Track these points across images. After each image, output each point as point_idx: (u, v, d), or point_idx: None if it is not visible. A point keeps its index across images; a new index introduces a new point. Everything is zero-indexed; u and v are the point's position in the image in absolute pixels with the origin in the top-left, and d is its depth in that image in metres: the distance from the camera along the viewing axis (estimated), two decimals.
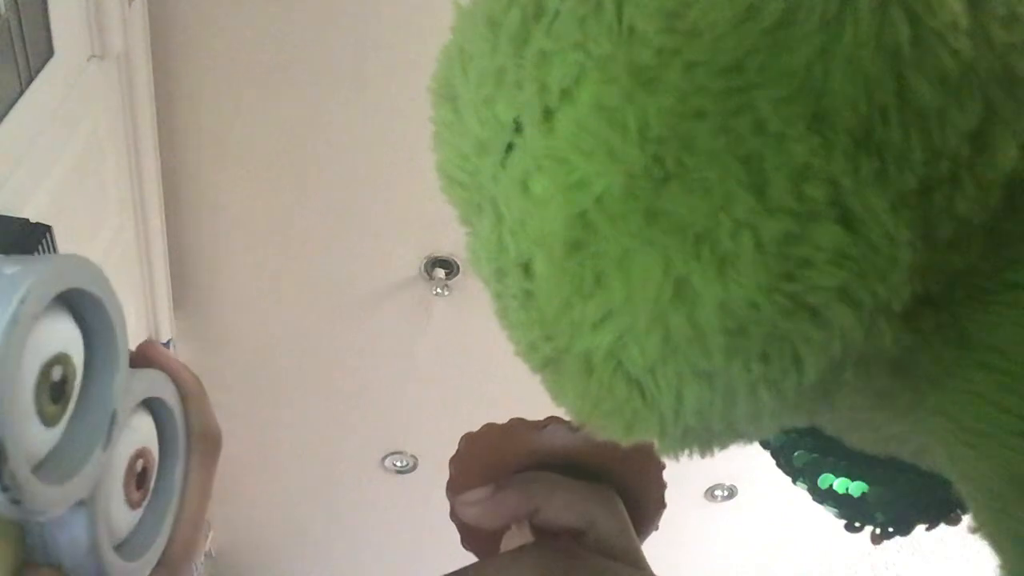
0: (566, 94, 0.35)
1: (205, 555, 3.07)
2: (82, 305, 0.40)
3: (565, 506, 0.51)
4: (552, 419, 0.52)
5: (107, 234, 1.61)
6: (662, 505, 0.56)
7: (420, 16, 1.70)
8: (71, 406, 0.39)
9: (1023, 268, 0.36)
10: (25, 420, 0.35)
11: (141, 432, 0.44)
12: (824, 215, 0.32)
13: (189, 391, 0.47)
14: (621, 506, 0.53)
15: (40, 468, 0.36)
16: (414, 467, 2.83)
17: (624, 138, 0.33)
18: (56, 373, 0.37)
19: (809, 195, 0.32)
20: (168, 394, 0.46)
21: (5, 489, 0.33)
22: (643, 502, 0.55)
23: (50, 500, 0.36)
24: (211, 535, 3.04)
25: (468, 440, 0.54)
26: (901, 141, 0.32)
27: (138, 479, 0.44)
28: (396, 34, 1.75)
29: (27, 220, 1.10)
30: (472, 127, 0.40)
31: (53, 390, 0.37)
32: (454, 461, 0.54)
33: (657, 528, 0.56)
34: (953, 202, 0.34)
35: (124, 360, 0.42)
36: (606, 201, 0.34)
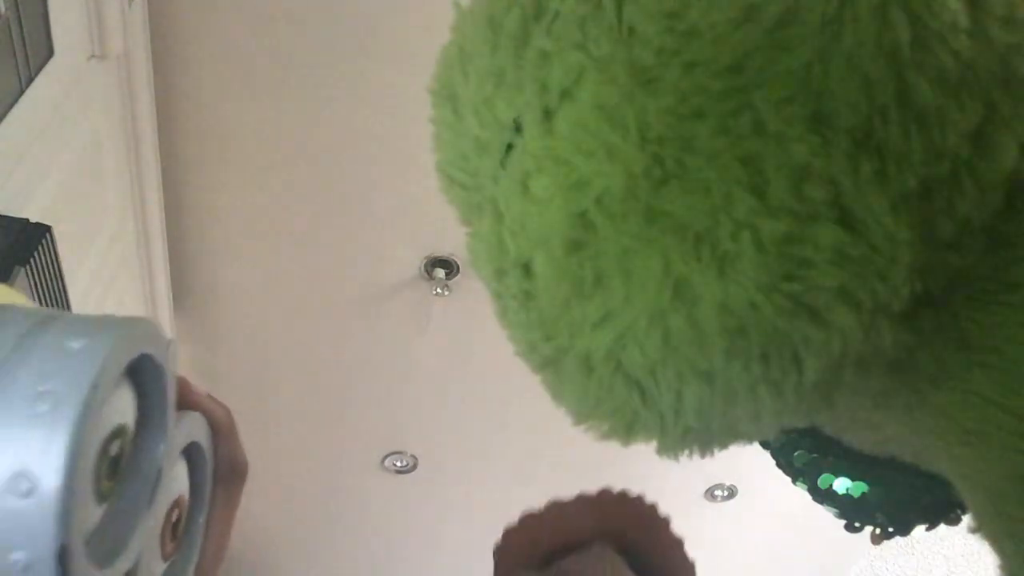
0: (566, 94, 0.35)
1: None
2: (139, 367, 0.36)
3: None
4: (579, 498, 0.56)
5: (107, 234, 1.61)
6: (689, 564, 0.59)
7: (420, 16, 1.70)
8: (123, 477, 0.36)
9: (1023, 268, 0.36)
10: (85, 506, 0.32)
11: (178, 481, 0.42)
12: (824, 215, 0.32)
13: (220, 426, 0.46)
14: (613, 560, 0.54)
15: (91, 545, 0.33)
16: (414, 467, 2.83)
17: (624, 138, 0.33)
18: (114, 448, 0.34)
19: (809, 195, 0.32)
20: (203, 437, 0.44)
21: None
22: (661, 563, 0.57)
23: None
24: None
25: (510, 533, 0.57)
26: (901, 141, 0.32)
27: (172, 530, 0.41)
28: (396, 34, 1.75)
29: (27, 220, 1.10)
30: (472, 127, 0.40)
31: (110, 466, 0.34)
32: (500, 552, 0.57)
33: None
34: (953, 202, 0.34)
35: (172, 420, 0.39)
36: (606, 201, 0.34)
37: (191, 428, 0.42)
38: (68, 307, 1.24)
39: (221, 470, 0.46)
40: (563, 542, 0.55)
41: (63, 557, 0.29)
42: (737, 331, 0.33)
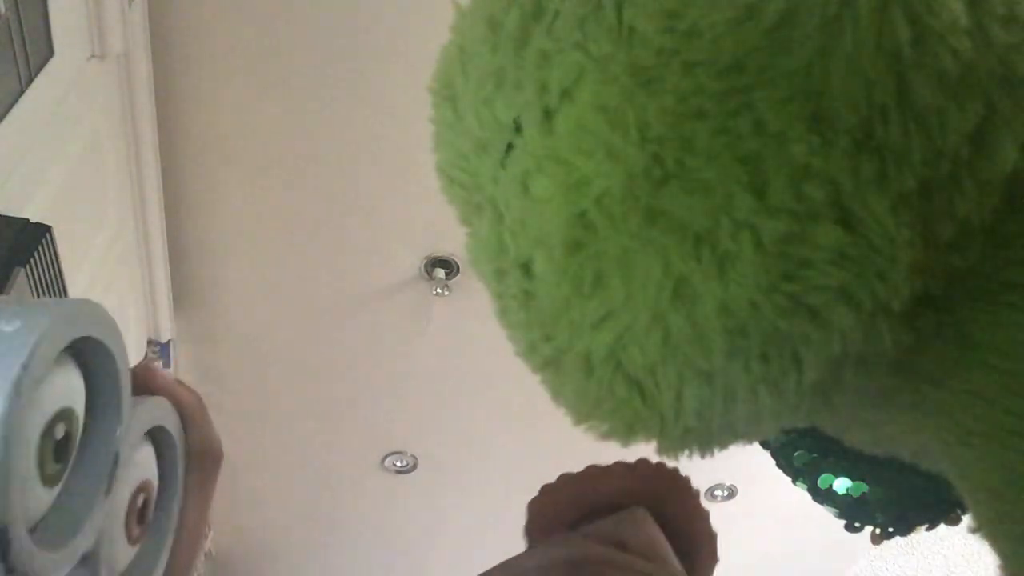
0: (566, 94, 0.35)
1: (205, 555, 3.07)
2: (85, 350, 0.36)
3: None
4: (617, 464, 0.58)
5: (107, 234, 1.61)
6: (711, 534, 0.60)
7: (420, 16, 1.70)
8: (72, 459, 0.36)
9: (1023, 268, 0.36)
10: (28, 490, 0.32)
11: (142, 466, 0.42)
12: (824, 215, 0.32)
13: (190, 411, 0.45)
14: (650, 524, 0.56)
15: (40, 530, 0.33)
16: (414, 467, 2.82)
17: (624, 138, 0.33)
18: (59, 431, 0.34)
19: (809, 195, 0.32)
20: (170, 421, 0.43)
21: (10, 571, 0.30)
22: (688, 530, 0.58)
23: (55, 566, 0.33)
24: (211, 535, 3.04)
25: (546, 490, 0.59)
26: (901, 141, 0.32)
27: (139, 514, 0.42)
28: (396, 34, 1.75)
29: (27, 220, 1.10)
30: (472, 127, 0.40)
31: (56, 450, 0.34)
32: (534, 507, 0.58)
33: (717, 560, 0.60)
34: (953, 202, 0.34)
35: (127, 403, 0.39)
36: (606, 201, 0.34)
37: (155, 412, 0.42)
38: None
39: (193, 456, 0.46)
40: (600, 503, 0.57)
41: (1, 538, 0.29)
42: (737, 331, 0.33)
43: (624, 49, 0.34)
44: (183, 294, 2.20)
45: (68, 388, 0.35)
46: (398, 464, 2.82)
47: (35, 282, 1.07)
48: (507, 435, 2.69)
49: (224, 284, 2.25)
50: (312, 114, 1.89)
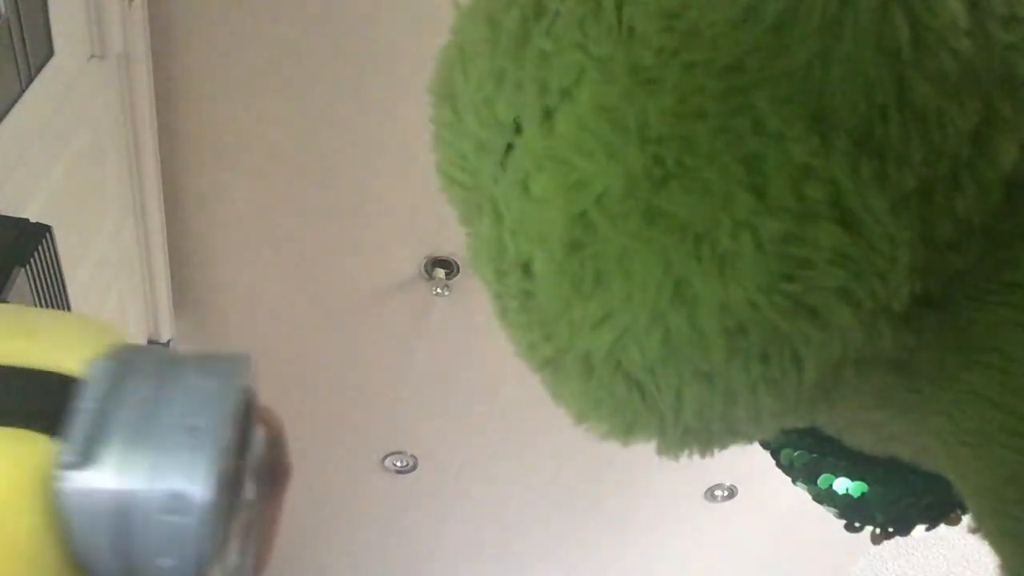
0: (566, 94, 0.35)
1: None
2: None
3: None
4: None
5: (107, 234, 1.61)
6: None
7: (420, 16, 1.70)
8: None
9: (1023, 268, 0.36)
10: (221, 522, 0.36)
11: (247, 487, 0.45)
12: (824, 215, 0.32)
13: (273, 430, 0.48)
14: None
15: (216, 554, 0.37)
16: (414, 467, 2.82)
17: (624, 138, 0.33)
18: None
19: (809, 195, 0.32)
20: (261, 446, 0.47)
21: None
22: None
23: None
24: None
25: None
26: (901, 141, 0.32)
27: (245, 533, 0.44)
28: (396, 34, 1.75)
29: (27, 220, 1.10)
30: (472, 127, 0.40)
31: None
32: None
33: None
34: (953, 202, 0.34)
35: (255, 436, 0.43)
36: (606, 201, 0.34)
37: (257, 443, 0.46)
38: (68, 307, 1.24)
39: (270, 473, 0.49)
40: None
41: (201, 564, 0.34)
42: (737, 331, 0.33)
43: (624, 49, 0.34)
44: (183, 294, 2.20)
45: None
46: (398, 464, 2.82)
47: (35, 282, 1.07)
48: (507, 435, 2.69)
49: (224, 284, 2.25)
50: (312, 114, 1.89)
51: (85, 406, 0.33)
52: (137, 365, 0.36)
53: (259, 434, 0.46)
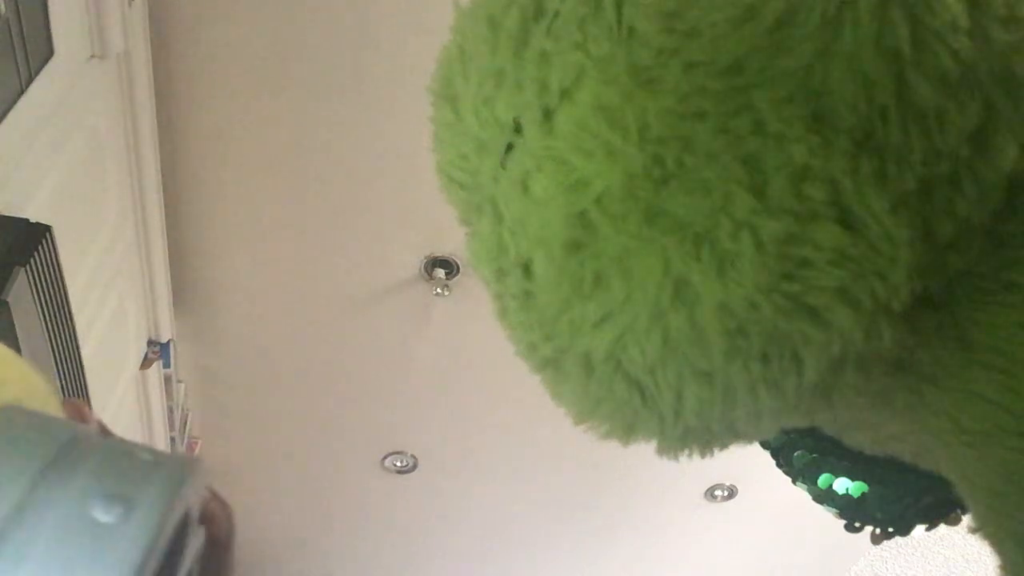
0: (566, 94, 0.35)
1: None
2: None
3: None
4: None
5: (107, 234, 1.61)
6: None
7: (420, 16, 1.70)
8: None
9: (1023, 268, 0.36)
10: None
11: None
12: (824, 215, 0.32)
13: (221, 541, 0.45)
14: None
15: None
16: (414, 467, 2.83)
17: (624, 138, 0.33)
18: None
19: (809, 195, 0.32)
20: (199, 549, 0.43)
21: None
22: None
23: None
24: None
25: None
26: (901, 141, 0.32)
27: None
28: (396, 34, 1.75)
29: (27, 220, 1.10)
30: (472, 127, 0.40)
31: None
32: None
33: None
34: (953, 202, 0.34)
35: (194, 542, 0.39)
36: (606, 201, 0.34)
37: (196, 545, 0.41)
38: (68, 307, 1.24)
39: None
40: None
41: None
42: (737, 331, 0.33)
43: (624, 49, 0.34)
44: (183, 294, 2.20)
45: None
46: (398, 464, 2.82)
47: (35, 282, 1.07)
48: (507, 435, 2.69)
49: (224, 284, 2.25)
50: (312, 114, 1.89)
51: None
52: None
53: (197, 540, 0.41)
